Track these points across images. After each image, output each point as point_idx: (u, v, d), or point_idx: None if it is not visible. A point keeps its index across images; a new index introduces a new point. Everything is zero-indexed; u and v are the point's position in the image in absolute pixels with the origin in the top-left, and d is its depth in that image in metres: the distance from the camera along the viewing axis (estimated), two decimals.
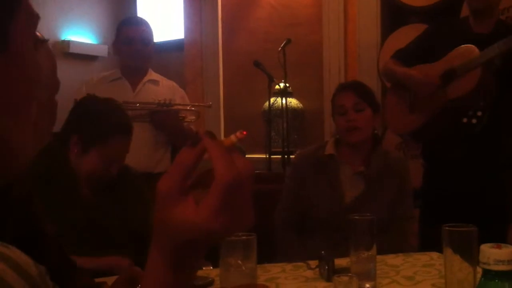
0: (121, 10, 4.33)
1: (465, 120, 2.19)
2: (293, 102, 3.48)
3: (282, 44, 3.02)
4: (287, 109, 3.12)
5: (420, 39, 2.41)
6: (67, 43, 3.88)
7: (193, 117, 2.60)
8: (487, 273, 0.66)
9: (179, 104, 2.56)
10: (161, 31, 4.11)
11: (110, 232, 1.66)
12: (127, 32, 2.52)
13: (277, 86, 3.19)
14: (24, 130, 0.53)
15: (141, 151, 2.37)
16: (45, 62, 0.58)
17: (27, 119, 0.54)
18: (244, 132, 0.56)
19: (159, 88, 2.58)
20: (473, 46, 2.14)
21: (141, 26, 2.55)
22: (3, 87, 0.51)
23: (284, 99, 3.11)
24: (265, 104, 3.36)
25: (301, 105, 3.55)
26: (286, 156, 3.05)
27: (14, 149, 0.52)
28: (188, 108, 2.62)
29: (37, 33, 0.57)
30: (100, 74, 2.71)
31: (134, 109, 2.39)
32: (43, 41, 0.58)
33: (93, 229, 1.62)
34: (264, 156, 3.12)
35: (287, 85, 3.22)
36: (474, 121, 2.18)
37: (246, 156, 3.51)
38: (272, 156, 3.11)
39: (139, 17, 2.78)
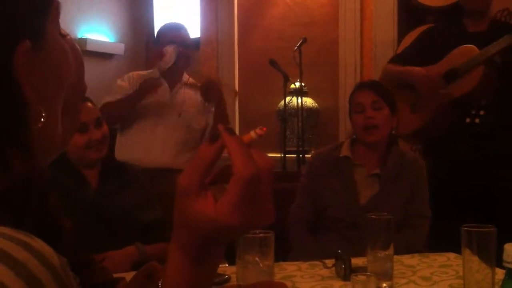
0: (138, 8, 4.36)
1: (468, 119, 2.20)
2: (308, 101, 3.48)
3: (298, 44, 3.02)
4: (302, 109, 3.12)
5: (417, 43, 2.44)
6: (84, 41, 3.91)
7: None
8: (511, 273, 0.65)
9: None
10: None
11: (113, 221, 1.68)
12: (170, 34, 2.59)
13: (292, 85, 3.19)
14: (49, 126, 0.53)
15: (171, 151, 2.52)
16: (74, 65, 0.58)
17: (53, 116, 0.54)
18: (264, 129, 0.56)
19: (194, 92, 2.64)
20: (473, 46, 2.16)
21: (184, 31, 2.64)
22: (40, 83, 0.52)
23: (299, 98, 3.10)
24: (280, 103, 3.36)
25: (316, 104, 3.54)
26: (301, 156, 3.05)
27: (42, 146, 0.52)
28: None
29: (61, 30, 0.58)
30: (138, 72, 2.77)
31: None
32: (69, 38, 0.59)
33: (97, 217, 1.66)
34: (279, 155, 3.12)
35: (303, 84, 3.21)
36: (477, 120, 2.19)
37: None
38: (287, 155, 3.10)
39: (178, 23, 2.87)
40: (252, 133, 0.56)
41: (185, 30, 2.65)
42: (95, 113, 1.77)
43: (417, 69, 2.25)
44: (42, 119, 0.51)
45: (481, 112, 2.19)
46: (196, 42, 3.99)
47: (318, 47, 3.50)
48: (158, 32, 2.68)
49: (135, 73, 2.70)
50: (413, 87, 2.30)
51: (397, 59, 2.44)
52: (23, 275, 0.35)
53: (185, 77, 2.67)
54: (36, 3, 0.53)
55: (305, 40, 3.03)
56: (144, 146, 2.50)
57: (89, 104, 1.76)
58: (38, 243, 0.38)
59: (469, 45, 2.18)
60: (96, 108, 1.82)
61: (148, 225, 1.76)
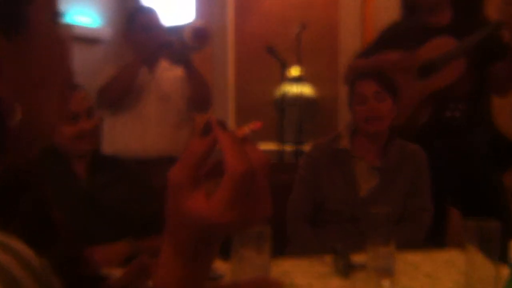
0: None
1: (448, 113, 2.19)
2: (306, 91, 3.43)
3: (297, 31, 2.97)
4: (300, 99, 3.08)
5: (380, 40, 2.43)
6: (70, 25, 3.84)
7: None
8: None
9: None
10: (169, 15, 4.06)
11: (105, 214, 1.66)
12: (142, 19, 2.55)
13: (290, 73, 3.14)
14: (31, 117, 0.52)
15: (164, 130, 2.51)
16: (59, 51, 0.57)
17: (36, 106, 0.53)
18: (259, 123, 0.55)
19: (175, 72, 2.62)
20: (449, 38, 2.15)
21: (154, 14, 2.60)
22: (17, 70, 0.51)
23: (297, 87, 3.06)
24: (277, 93, 3.31)
25: (314, 94, 3.50)
26: (298, 147, 3.01)
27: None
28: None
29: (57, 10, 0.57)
30: (113, 62, 2.75)
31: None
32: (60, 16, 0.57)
33: (88, 210, 1.63)
34: (276, 146, 3.08)
35: (301, 72, 3.17)
36: (456, 114, 2.20)
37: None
38: (284, 147, 3.07)
39: (148, 6, 2.83)
40: (246, 128, 0.55)
41: (157, 14, 2.61)
42: (87, 102, 1.73)
43: (390, 52, 2.23)
44: (19, 116, 0.50)
45: (460, 106, 2.20)
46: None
47: (317, 32, 3.42)
48: (128, 18, 2.63)
49: (114, 63, 2.68)
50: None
51: (362, 55, 2.44)
52: (2, 278, 0.35)
53: (161, 59, 2.64)
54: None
55: (304, 27, 2.97)
56: (138, 133, 2.48)
57: (81, 92, 1.71)
58: (19, 246, 0.38)
59: (446, 37, 2.17)
60: (89, 97, 1.78)
61: (142, 218, 1.73)
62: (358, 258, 1.39)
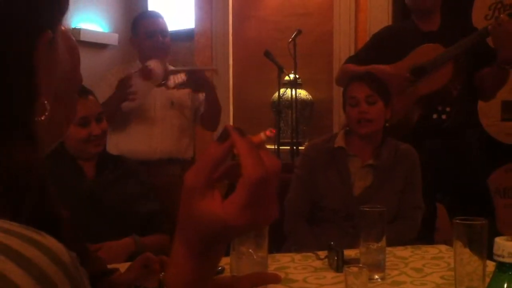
0: None
1: (435, 115, 2.26)
2: (302, 93, 3.48)
3: (293, 35, 3.02)
4: (296, 101, 3.12)
5: (370, 44, 2.49)
6: (78, 31, 3.88)
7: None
8: (501, 266, 0.66)
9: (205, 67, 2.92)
10: (171, 21, 4.09)
11: (110, 212, 1.69)
12: (146, 25, 2.57)
13: (286, 77, 3.19)
14: (38, 121, 0.54)
15: (172, 136, 2.57)
16: (66, 56, 0.59)
17: (41, 111, 0.54)
18: (274, 130, 0.57)
19: (179, 77, 2.64)
20: (437, 44, 2.23)
21: (159, 19, 2.61)
22: (48, 76, 0.52)
23: (293, 90, 3.11)
24: (274, 95, 3.36)
25: (310, 96, 3.55)
26: (295, 147, 3.05)
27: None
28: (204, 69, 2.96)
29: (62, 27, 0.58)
30: (118, 66, 2.77)
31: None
32: (65, 30, 0.59)
33: (94, 208, 1.67)
34: (273, 147, 3.13)
35: (297, 76, 3.21)
36: (444, 116, 2.27)
37: None
38: (281, 147, 3.11)
39: (153, 11, 2.86)
40: (262, 134, 0.57)
41: (162, 18, 2.63)
42: (97, 108, 1.77)
43: (382, 67, 2.28)
44: (46, 113, 0.52)
45: (448, 109, 2.25)
46: (186, 32, 3.99)
47: (313, 38, 3.49)
48: (134, 23, 2.66)
49: (116, 67, 2.71)
50: None
51: (353, 59, 2.48)
52: (33, 273, 0.35)
53: (167, 66, 2.65)
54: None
55: (299, 32, 3.03)
56: (143, 137, 2.51)
57: (92, 98, 1.75)
58: (48, 240, 0.38)
59: (434, 44, 2.25)
60: (98, 103, 1.82)
61: (145, 216, 1.77)
62: (351, 253, 1.44)
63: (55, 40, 0.53)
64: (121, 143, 2.50)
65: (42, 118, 0.52)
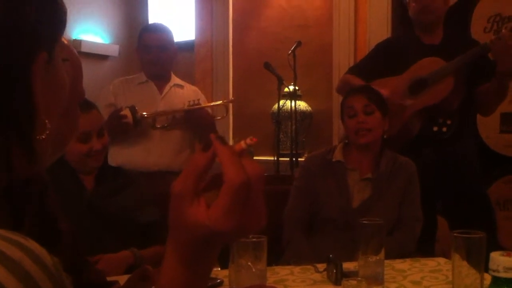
0: (132, 10, 4.35)
1: (435, 128, 2.28)
2: (302, 104, 3.49)
3: (293, 47, 3.04)
4: (296, 113, 3.13)
5: (374, 55, 2.50)
6: (79, 42, 3.91)
7: (220, 116, 2.75)
8: (496, 280, 0.67)
9: (209, 104, 2.74)
10: (172, 32, 4.12)
11: (110, 223, 1.69)
12: (146, 39, 2.58)
13: (286, 89, 3.20)
14: (50, 137, 0.55)
15: (170, 153, 2.53)
16: (70, 70, 0.60)
17: (55, 126, 0.56)
18: (254, 139, 0.58)
19: (184, 91, 2.67)
20: (437, 58, 2.25)
21: (159, 33, 2.60)
22: (47, 94, 0.54)
23: (293, 101, 3.12)
24: (274, 106, 3.37)
25: (309, 107, 3.56)
26: (294, 159, 3.06)
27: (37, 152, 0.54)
28: (215, 104, 2.81)
29: (64, 40, 0.59)
30: (123, 77, 2.78)
31: (164, 114, 2.51)
32: (68, 45, 0.61)
33: (93, 219, 1.66)
34: (272, 158, 3.14)
35: (297, 88, 3.23)
36: (444, 129, 2.29)
37: (254, 158, 3.53)
38: (280, 159, 3.12)
39: (158, 24, 2.85)
40: (243, 143, 0.58)
41: (164, 32, 2.61)
42: (99, 122, 1.76)
43: (382, 91, 2.29)
44: (47, 131, 0.53)
45: (448, 121, 2.26)
46: (186, 43, 4.01)
47: (313, 49, 3.52)
48: (138, 36, 2.67)
49: (120, 79, 2.71)
50: None
51: (355, 70, 2.49)
52: (17, 273, 0.36)
53: (173, 78, 2.67)
54: (56, 18, 0.56)
55: (299, 44, 3.05)
56: (141, 151, 2.50)
57: (95, 112, 1.75)
58: (32, 244, 0.39)
59: (435, 57, 2.27)
60: (101, 117, 1.81)
61: (145, 227, 1.76)
62: (350, 266, 1.44)
63: (53, 60, 0.55)
64: (119, 156, 2.50)
65: (43, 136, 0.53)
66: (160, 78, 2.61)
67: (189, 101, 2.54)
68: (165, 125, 2.52)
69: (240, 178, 0.53)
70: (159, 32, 2.61)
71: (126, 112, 2.40)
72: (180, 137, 2.58)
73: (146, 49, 2.56)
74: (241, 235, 0.57)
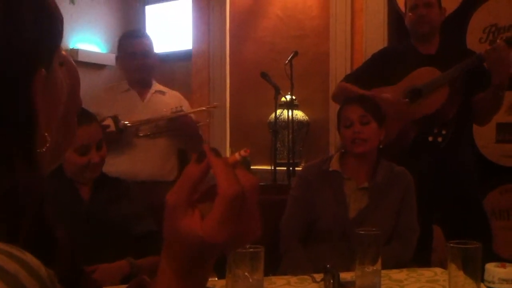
0: (129, 19, 4.37)
1: (430, 138, 2.30)
2: (299, 114, 3.51)
3: (289, 57, 3.05)
4: (293, 122, 3.14)
5: (370, 63, 2.52)
6: (76, 51, 3.92)
7: (203, 122, 2.73)
8: None
9: (193, 110, 2.71)
10: (169, 42, 4.14)
11: (106, 233, 1.68)
12: (128, 46, 2.56)
13: (283, 98, 3.22)
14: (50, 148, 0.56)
15: (156, 162, 2.50)
16: (67, 80, 0.60)
17: (54, 137, 0.57)
18: (248, 151, 0.59)
19: (166, 97, 2.64)
20: (433, 68, 2.27)
21: (141, 39, 2.58)
22: (46, 109, 0.55)
23: (290, 111, 3.13)
24: (271, 116, 3.38)
25: (306, 117, 3.57)
26: (291, 168, 3.06)
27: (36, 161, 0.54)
28: (198, 110, 2.79)
29: (62, 52, 0.60)
30: (106, 86, 2.76)
31: (148, 123, 2.48)
32: (66, 55, 0.61)
33: (89, 229, 1.66)
34: (269, 167, 3.14)
35: (294, 97, 3.24)
36: (439, 139, 2.30)
37: (252, 167, 3.51)
38: (277, 168, 3.12)
39: (138, 30, 2.84)
40: (237, 155, 0.58)
41: (145, 38, 2.59)
42: (98, 135, 1.76)
43: (384, 96, 2.31)
44: (47, 144, 0.54)
45: (443, 131, 2.28)
46: (184, 53, 4.02)
47: (309, 59, 3.54)
48: (118, 43, 2.64)
49: (101, 90, 2.69)
50: None
51: (351, 78, 2.50)
52: (13, 286, 0.37)
53: (155, 84, 2.65)
54: (54, 30, 0.56)
55: (296, 54, 3.06)
56: (126, 160, 2.46)
57: (95, 124, 1.75)
58: (27, 256, 0.40)
59: (430, 67, 2.29)
60: (100, 129, 1.81)
61: (140, 237, 1.76)
62: (347, 276, 1.45)
63: (51, 74, 0.55)
64: (104, 166, 2.47)
65: (44, 149, 0.54)
66: (143, 85, 2.59)
67: (172, 108, 2.52)
68: (148, 133, 2.50)
69: (234, 189, 0.53)
70: (141, 38, 2.60)
71: (109, 121, 2.38)
72: (165, 144, 2.54)
73: (131, 55, 2.53)
74: (236, 246, 0.57)
